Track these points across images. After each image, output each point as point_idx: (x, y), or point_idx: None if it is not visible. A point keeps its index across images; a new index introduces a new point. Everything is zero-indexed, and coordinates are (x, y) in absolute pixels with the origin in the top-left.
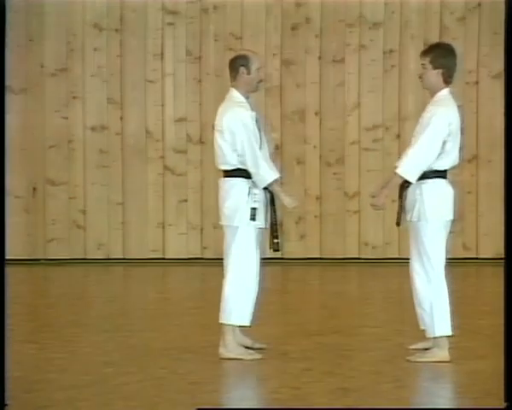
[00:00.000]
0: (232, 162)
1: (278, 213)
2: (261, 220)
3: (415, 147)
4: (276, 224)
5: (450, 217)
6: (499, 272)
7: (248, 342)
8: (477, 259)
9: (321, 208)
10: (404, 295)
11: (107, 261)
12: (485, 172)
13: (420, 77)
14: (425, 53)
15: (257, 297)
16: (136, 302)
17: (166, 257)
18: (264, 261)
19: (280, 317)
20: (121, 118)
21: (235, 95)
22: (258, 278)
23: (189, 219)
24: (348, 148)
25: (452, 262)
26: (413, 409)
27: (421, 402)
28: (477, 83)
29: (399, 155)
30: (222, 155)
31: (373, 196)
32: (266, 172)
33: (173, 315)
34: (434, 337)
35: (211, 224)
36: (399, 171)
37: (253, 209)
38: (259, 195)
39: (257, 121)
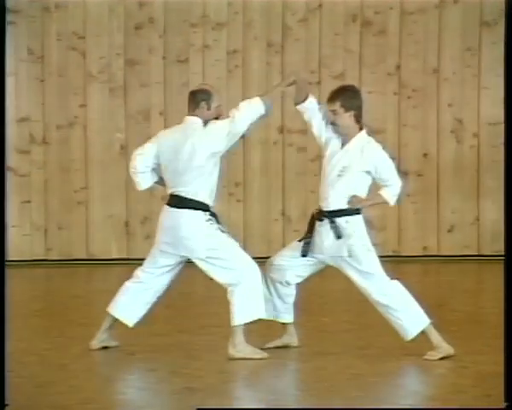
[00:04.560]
0: None
1: None
2: None
3: (397, 178)
4: None
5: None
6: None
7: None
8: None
9: None
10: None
11: None
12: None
13: (332, 123)
14: (333, 98)
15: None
16: None
17: (10, 258)
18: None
19: None
20: None
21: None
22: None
23: (33, 220)
24: None
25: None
26: (411, 409)
27: (415, 403)
28: (319, 83)
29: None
30: None
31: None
32: None
33: (16, 318)
34: (429, 336)
35: (55, 225)
36: (394, 200)
37: None
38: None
39: None
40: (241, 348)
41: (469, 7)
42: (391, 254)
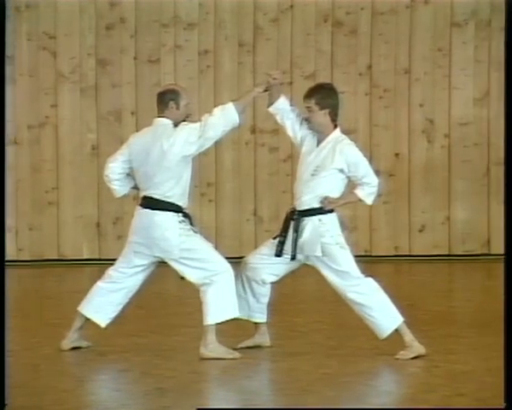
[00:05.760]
0: None
1: None
2: None
3: (372, 176)
4: None
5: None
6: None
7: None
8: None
9: None
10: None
11: None
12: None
13: (306, 120)
14: (309, 95)
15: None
16: None
17: None
18: None
19: None
20: None
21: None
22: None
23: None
24: None
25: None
26: (409, 409)
27: (388, 402)
28: (291, 83)
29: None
30: None
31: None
32: None
33: None
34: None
35: (26, 225)
36: (371, 200)
37: None
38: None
39: None
40: (212, 347)
41: (440, 7)
42: (362, 254)
